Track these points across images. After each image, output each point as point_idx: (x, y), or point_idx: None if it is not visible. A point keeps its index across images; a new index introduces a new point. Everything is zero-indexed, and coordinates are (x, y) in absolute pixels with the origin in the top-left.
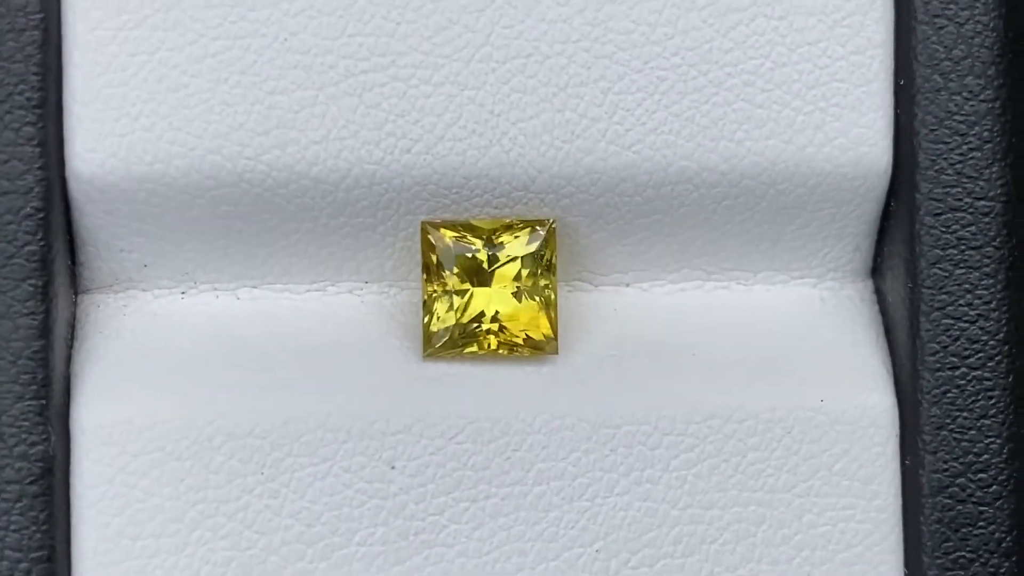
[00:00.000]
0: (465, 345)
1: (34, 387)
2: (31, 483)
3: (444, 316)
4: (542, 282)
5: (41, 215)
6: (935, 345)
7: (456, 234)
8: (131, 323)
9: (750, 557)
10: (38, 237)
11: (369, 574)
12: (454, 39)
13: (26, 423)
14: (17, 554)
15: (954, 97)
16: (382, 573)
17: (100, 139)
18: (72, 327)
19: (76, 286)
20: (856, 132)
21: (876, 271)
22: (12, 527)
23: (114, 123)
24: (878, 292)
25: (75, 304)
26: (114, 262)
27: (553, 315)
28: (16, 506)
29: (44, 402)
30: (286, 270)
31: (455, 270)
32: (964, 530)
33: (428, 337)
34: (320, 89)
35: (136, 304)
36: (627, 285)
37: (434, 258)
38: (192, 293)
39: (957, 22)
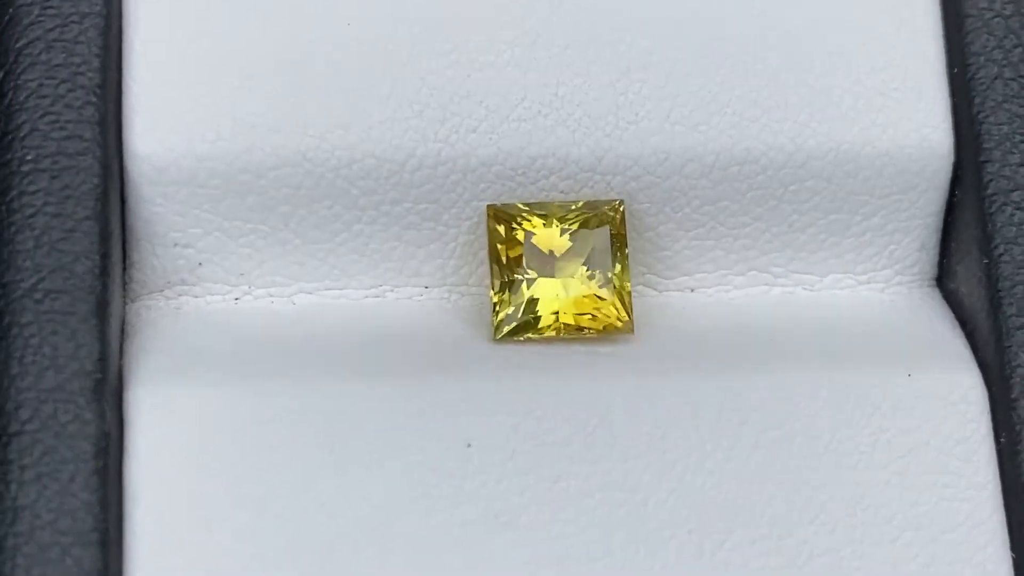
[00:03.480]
0: (535, 329)
1: (91, 364)
2: (86, 463)
3: (513, 300)
4: (613, 264)
5: (100, 189)
6: (1021, 319)
7: (522, 218)
8: (183, 323)
9: (851, 538)
10: (97, 210)
11: (448, 559)
12: (516, 23)
13: (82, 400)
14: (69, 538)
15: (1010, 82)
16: (462, 558)
17: (160, 117)
18: (123, 330)
19: (127, 293)
20: (917, 116)
21: (940, 278)
22: (66, 508)
23: (175, 102)
24: (945, 296)
25: (125, 311)
26: (167, 259)
27: (626, 295)
28: (70, 487)
29: (100, 377)
30: (344, 271)
31: (524, 255)
32: None
33: (498, 322)
34: (384, 70)
35: (188, 309)
36: (692, 290)
37: (500, 246)
38: (246, 300)
39: (1003, 15)
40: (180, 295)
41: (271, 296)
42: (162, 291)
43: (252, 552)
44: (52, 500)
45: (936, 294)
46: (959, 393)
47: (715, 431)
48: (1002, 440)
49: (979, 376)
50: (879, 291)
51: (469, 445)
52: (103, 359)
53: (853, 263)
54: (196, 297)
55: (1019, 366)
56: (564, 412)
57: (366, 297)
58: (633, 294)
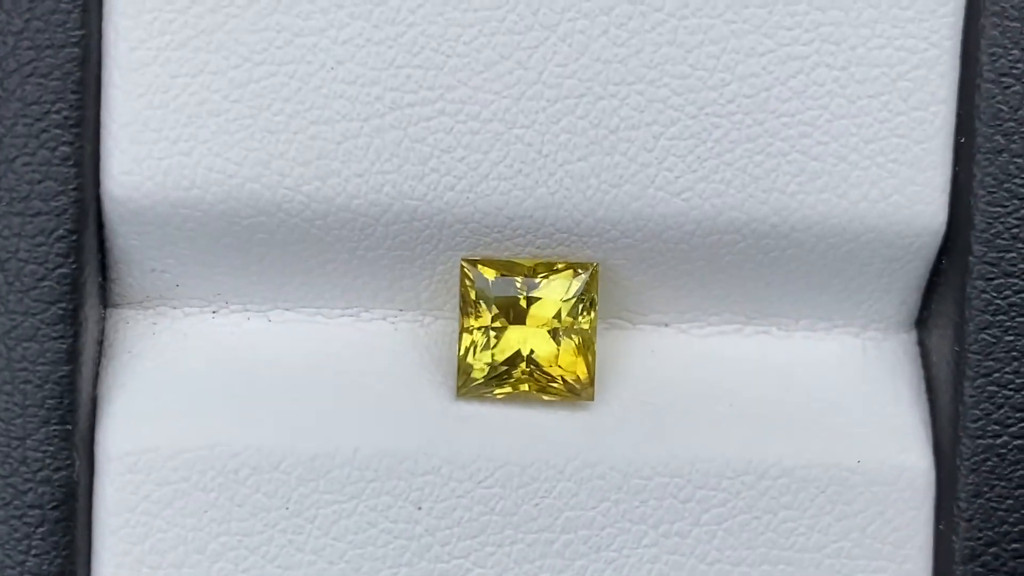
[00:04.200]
0: (499, 385)
1: (60, 412)
2: (53, 508)
3: (479, 354)
4: (582, 325)
5: (74, 237)
6: (978, 412)
7: (496, 271)
8: (160, 342)
9: None
10: (70, 260)
11: None
12: (505, 75)
13: (51, 448)
14: None
15: (1015, 159)
16: None
17: (137, 161)
18: (100, 343)
19: (106, 300)
20: (912, 190)
21: (921, 323)
22: (33, 552)
23: (152, 145)
24: (921, 344)
25: (104, 319)
26: (145, 280)
27: (591, 359)
28: (37, 531)
29: (69, 427)
30: (320, 295)
31: (493, 308)
32: None
33: (463, 376)
34: (365, 121)
35: (166, 322)
36: (666, 325)
37: (472, 294)
38: (223, 313)
39: (1023, 81)
40: (158, 306)
41: (247, 311)
42: (141, 303)
43: None
44: (20, 543)
45: (911, 340)
46: (906, 480)
47: (658, 507)
48: (940, 527)
49: (930, 459)
50: (854, 335)
51: (419, 508)
52: (72, 409)
53: (830, 312)
54: (174, 308)
55: (967, 459)
56: (514, 482)
57: (341, 315)
58: (604, 327)
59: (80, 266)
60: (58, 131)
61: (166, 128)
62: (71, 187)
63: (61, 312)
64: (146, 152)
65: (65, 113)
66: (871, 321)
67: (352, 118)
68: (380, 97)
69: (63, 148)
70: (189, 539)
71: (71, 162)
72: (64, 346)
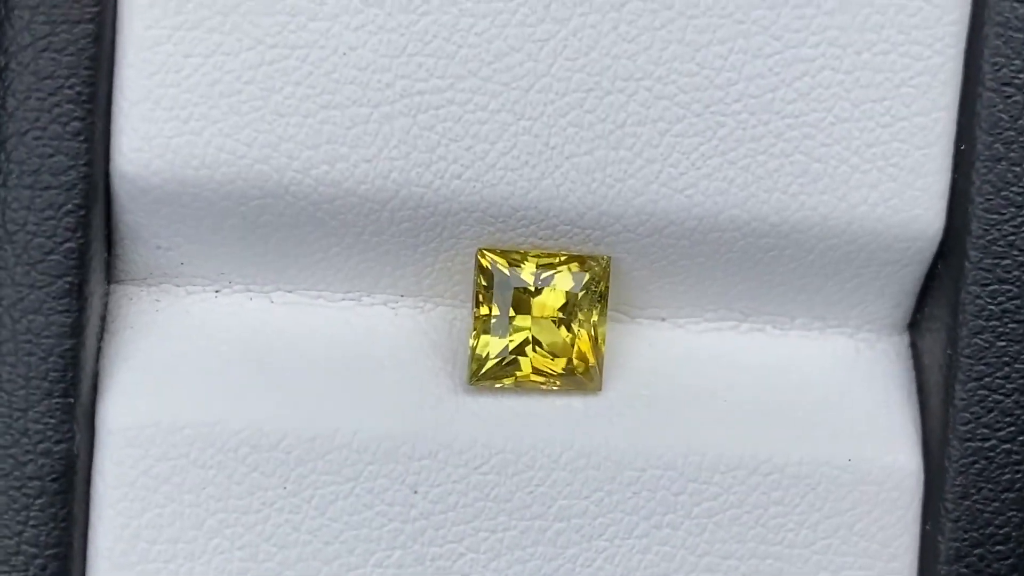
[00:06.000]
0: (508, 375)
1: (63, 385)
2: (53, 480)
3: (491, 344)
4: (592, 317)
5: (82, 212)
6: (968, 415)
7: (510, 262)
8: (163, 319)
9: None
10: (77, 235)
11: None
12: (515, 67)
13: (52, 420)
14: (33, 550)
15: (1013, 168)
16: None
17: (147, 139)
18: (103, 319)
19: (110, 276)
20: (911, 195)
21: (913, 325)
22: (31, 522)
23: (163, 124)
24: (913, 346)
25: (107, 294)
26: (150, 258)
27: (600, 352)
28: (36, 502)
29: (71, 400)
30: (322, 278)
31: (507, 299)
32: None
33: (475, 364)
34: (375, 107)
35: (169, 299)
36: (663, 320)
37: (485, 284)
38: (226, 292)
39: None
40: (162, 283)
41: (250, 291)
42: (144, 279)
43: (203, 574)
44: (19, 514)
45: (904, 343)
46: (895, 480)
47: (651, 499)
48: (927, 527)
49: (919, 460)
50: (847, 336)
51: (415, 491)
52: (75, 383)
53: (823, 312)
54: (177, 287)
55: (955, 461)
56: (510, 469)
57: (343, 299)
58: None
59: (87, 241)
60: (70, 106)
61: (177, 107)
62: (81, 162)
63: (67, 286)
64: (156, 130)
65: (78, 88)
66: (864, 322)
67: (362, 104)
68: (391, 84)
69: (74, 123)
70: (186, 515)
71: (82, 137)
72: (69, 320)
